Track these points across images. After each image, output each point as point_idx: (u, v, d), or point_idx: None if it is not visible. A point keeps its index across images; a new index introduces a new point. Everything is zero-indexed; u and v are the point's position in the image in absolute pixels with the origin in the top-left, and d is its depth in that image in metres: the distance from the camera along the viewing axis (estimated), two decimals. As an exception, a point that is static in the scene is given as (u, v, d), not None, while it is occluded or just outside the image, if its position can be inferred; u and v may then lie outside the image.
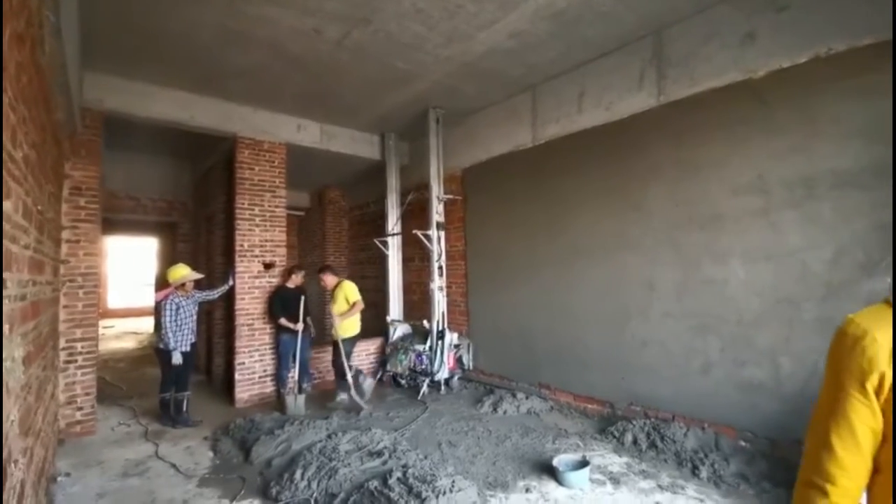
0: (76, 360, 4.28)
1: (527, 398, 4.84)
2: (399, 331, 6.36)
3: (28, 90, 2.14)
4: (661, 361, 3.99)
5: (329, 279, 5.52)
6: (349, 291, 5.33)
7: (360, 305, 5.33)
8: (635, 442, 3.67)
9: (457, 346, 5.81)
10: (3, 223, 1.68)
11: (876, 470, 0.80)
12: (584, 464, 3.20)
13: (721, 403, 3.57)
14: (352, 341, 5.36)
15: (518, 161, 5.42)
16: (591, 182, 4.60)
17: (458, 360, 5.82)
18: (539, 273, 5.10)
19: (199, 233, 7.52)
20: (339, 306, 5.29)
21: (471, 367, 5.92)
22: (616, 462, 3.43)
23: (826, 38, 3.10)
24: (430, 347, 5.62)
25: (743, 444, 3.39)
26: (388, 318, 6.55)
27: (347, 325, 5.28)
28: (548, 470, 3.27)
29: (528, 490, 3.06)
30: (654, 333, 4.05)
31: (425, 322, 5.80)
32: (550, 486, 3.11)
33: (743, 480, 3.02)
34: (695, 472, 3.17)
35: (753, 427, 3.37)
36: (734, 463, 3.17)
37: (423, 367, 5.63)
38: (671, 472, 3.22)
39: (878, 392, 0.76)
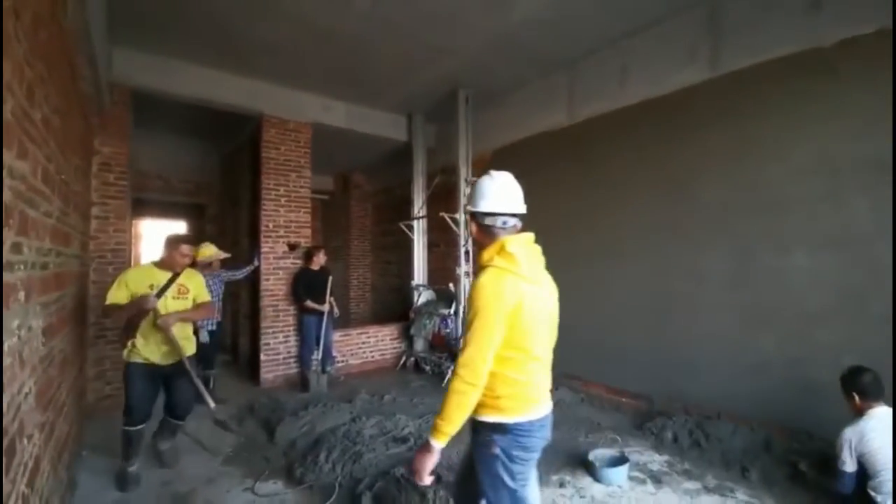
0: (105, 336, 4.31)
1: (556, 389, 4.64)
2: (423, 296, 6.32)
3: (48, 48, 2.04)
4: (708, 356, 3.71)
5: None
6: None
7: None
8: (676, 439, 3.43)
9: None
10: (20, 184, 1.58)
11: None
12: (622, 460, 3.00)
13: (774, 403, 3.30)
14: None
15: (552, 142, 5.14)
16: (633, 163, 4.30)
17: None
18: (574, 259, 4.85)
19: (225, 214, 7.54)
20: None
21: None
22: (656, 460, 3.21)
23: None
24: (455, 311, 5.51)
25: (797, 446, 3.10)
26: (413, 283, 6.49)
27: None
28: (582, 464, 3.08)
29: (562, 484, 2.88)
30: (700, 326, 3.78)
31: (450, 285, 5.70)
32: (586, 481, 2.93)
33: (796, 485, 2.76)
34: (744, 473, 2.93)
35: (811, 429, 3.09)
36: (787, 466, 2.90)
37: (448, 331, 5.57)
38: (717, 473, 2.99)
39: None
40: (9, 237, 1.45)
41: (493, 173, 1.68)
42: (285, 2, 3.75)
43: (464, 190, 5.65)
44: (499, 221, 1.59)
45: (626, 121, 4.37)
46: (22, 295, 1.60)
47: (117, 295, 2.79)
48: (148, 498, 2.79)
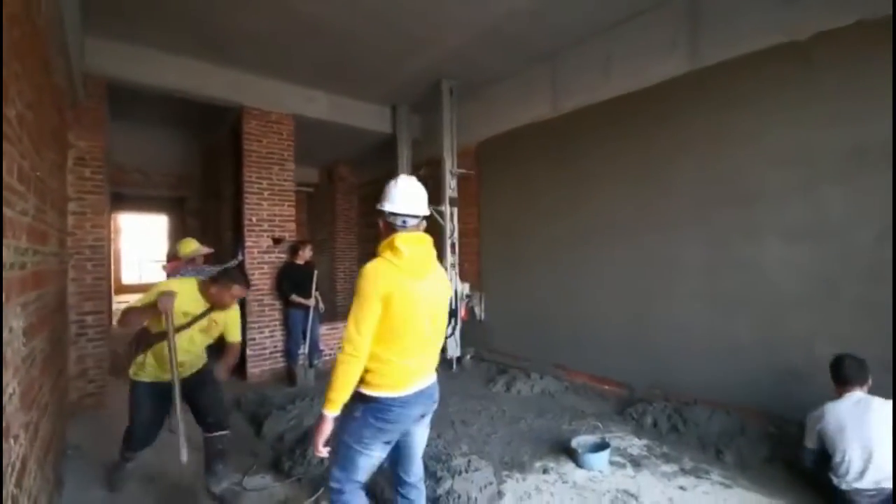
0: (87, 333, 4.25)
1: (541, 378, 4.74)
2: None
3: (21, 45, 1.99)
4: (685, 344, 3.84)
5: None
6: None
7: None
8: (655, 425, 3.56)
9: (468, 297, 5.83)
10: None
11: None
12: (603, 446, 3.10)
13: (749, 388, 3.43)
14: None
15: (536, 134, 5.18)
16: (614, 155, 4.37)
17: (471, 311, 5.87)
18: (556, 250, 4.93)
19: (207, 207, 7.42)
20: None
21: (482, 318, 5.90)
22: (636, 444, 3.33)
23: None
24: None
25: (772, 430, 3.25)
26: None
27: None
28: (565, 451, 3.18)
29: (545, 471, 2.97)
30: (678, 315, 3.89)
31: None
32: (568, 467, 3.02)
33: (770, 466, 2.91)
34: (719, 456, 3.06)
35: (785, 413, 3.23)
36: (762, 449, 3.04)
37: None
38: (694, 456, 3.11)
39: None
40: (-15, 238, 1.43)
41: (400, 178, 1.88)
42: (266, -9, 3.68)
43: (449, 182, 5.66)
44: (398, 220, 1.80)
45: (607, 112, 4.43)
46: (3, 297, 1.58)
47: (145, 302, 2.46)
48: (135, 494, 2.79)
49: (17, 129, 1.92)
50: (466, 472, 2.72)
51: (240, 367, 5.51)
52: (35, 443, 2.04)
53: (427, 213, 1.88)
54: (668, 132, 3.95)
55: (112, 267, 8.43)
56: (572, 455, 3.09)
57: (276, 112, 5.48)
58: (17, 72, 1.91)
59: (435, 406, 1.93)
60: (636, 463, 3.06)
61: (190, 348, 2.65)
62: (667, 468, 2.98)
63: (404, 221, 1.80)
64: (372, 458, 1.79)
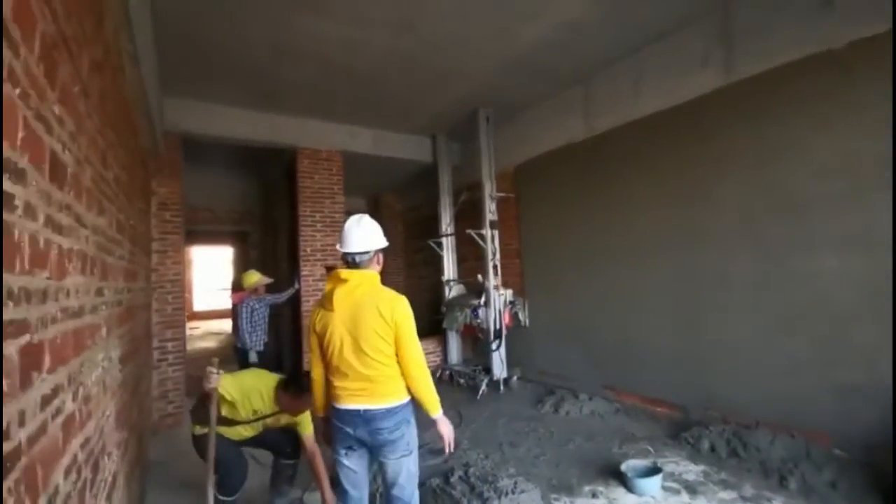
0: (167, 359, 4.73)
1: (590, 399, 4.66)
2: (454, 290, 6.58)
3: (114, 117, 2.38)
4: (741, 363, 3.66)
5: None
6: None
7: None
8: (713, 449, 3.39)
9: (512, 303, 5.84)
10: (101, 238, 1.88)
11: None
12: (655, 470, 3.02)
13: (812, 408, 3.21)
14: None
15: (573, 155, 5.23)
16: (654, 173, 4.33)
17: (514, 316, 5.87)
18: (601, 269, 4.89)
19: (266, 240, 8.03)
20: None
21: (527, 324, 5.87)
22: (692, 470, 3.20)
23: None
24: (485, 302, 5.67)
25: (838, 452, 3.02)
26: (444, 279, 6.74)
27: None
28: (615, 475, 3.12)
29: (594, 495, 2.93)
30: (731, 332, 3.73)
31: (479, 276, 5.83)
32: (619, 492, 2.96)
33: (835, 491, 2.70)
34: (783, 482, 2.87)
35: (850, 433, 3.00)
36: (827, 472, 2.83)
37: (479, 321, 5.75)
38: (756, 483, 2.94)
39: None
40: (94, 283, 1.73)
41: (348, 220, 2.09)
42: (307, 46, 4.08)
43: (489, 206, 5.80)
44: (343, 258, 2.05)
45: (644, 131, 4.41)
46: (104, 331, 1.88)
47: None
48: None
49: (115, 187, 2.30)
50: (513, 493, 2.75)
51: (298, 390, 5.84)
52: (125, 459, 2.34)
53: (361, 249, 1.99)
54: (707, 147, 3.88)
55: (185, 296, 9.24)
56: (622, 479, 3.03)
57: (326, 150, 5.92)
58: (112, 140, 2.29)
59: (381, 437, 1.94)
60: (692, 489, 2.94)
61: (255, 435, 2.72)
62: (725, 495, 2.84)
63: (345, 258, 2.03)
64: (341, 462, 2.04)
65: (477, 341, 6.35)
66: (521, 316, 5.91)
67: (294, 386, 2.57)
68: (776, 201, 3.43)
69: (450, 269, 6.77)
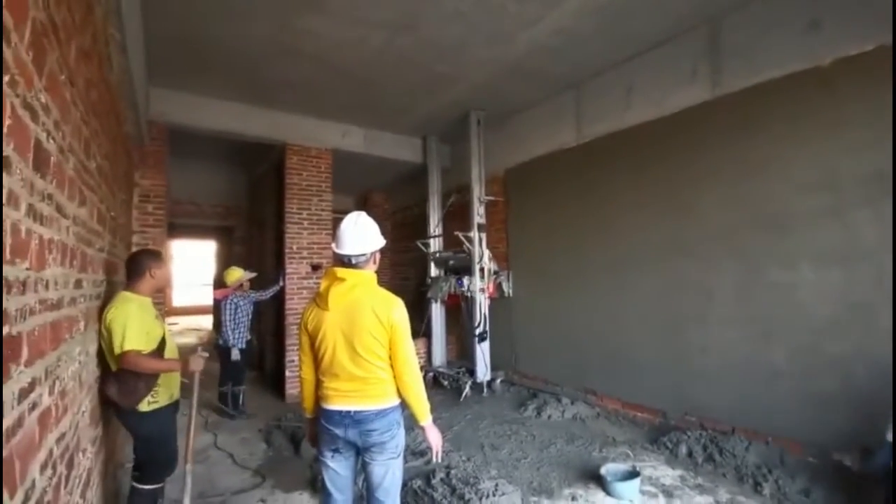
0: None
1: (572, 403, 4.71)
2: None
3: (99, 105, 2.33)
4: (720, 371, 3.74)
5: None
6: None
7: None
8: (690, 454, 3.46)
9: (496, 273, 5.86)
10: (81, 229, 1.84)
11: None
12: (634, 474, 3.06)
13: (787, 416, 3.30)
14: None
15: (562, 161, 5.28)
16: (640, 183, 4.40)
17: (499, 287, 5.90)
18: (586, 276, 4.95)
19: (252, 235, 7.92)
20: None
21: (510, 294, 5.92)
22: (669, 475, 3.25)
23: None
24: (471, 272, 5.69)
25: (811, 460, 3.11)
26: (429, 252, 6.78)
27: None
28: (595, 479, 3.15)
29: (573, 498, 2.96)
30: (712, 341, 3.81)
31: (465, 245, 5.79)
32: (598, 495, 3.00)
33: (807, 498, 2.78)
34: (757, 488, 2.95)
35: (824, 442, 3.09)
36: (800, 480, 2.92)
37: (463, 289, 5.81)
38: (730, 488, 3.01)
39: None
40: (72, 275, 1.69)
41: (343, 221, 2.07)
42: (305, 45, 4.06)
43: (477, 209, 5.82)
44: (339, 258, 2.04)
45: (632, 141, 4.48)
46: (82, 325, 1.84)
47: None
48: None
49: (97, 177, 2.24)
50: (494, 495, 2.77)
51: (279, 388, 5.77)
52: (100, 455, 2.28)
53: (358, 252, 1.98)
54: (691, 159, 3.96)
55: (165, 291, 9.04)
56: (602, 483, 3.07)
57: (316, 147, 5.87)
58: (95, 129, 2.23)
59: (372, 439, 1.92)
60: (668, 493, 2.99)
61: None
62: (701, 500, 2.90)
63: (340, 258, 2.03)
64: (326, 464, 2.00)
65: (461, 345, 6.36)
66: (504, 287, 5.94)
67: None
68: (757, 214, 3.52)
69: (436, 269, 6.76)
